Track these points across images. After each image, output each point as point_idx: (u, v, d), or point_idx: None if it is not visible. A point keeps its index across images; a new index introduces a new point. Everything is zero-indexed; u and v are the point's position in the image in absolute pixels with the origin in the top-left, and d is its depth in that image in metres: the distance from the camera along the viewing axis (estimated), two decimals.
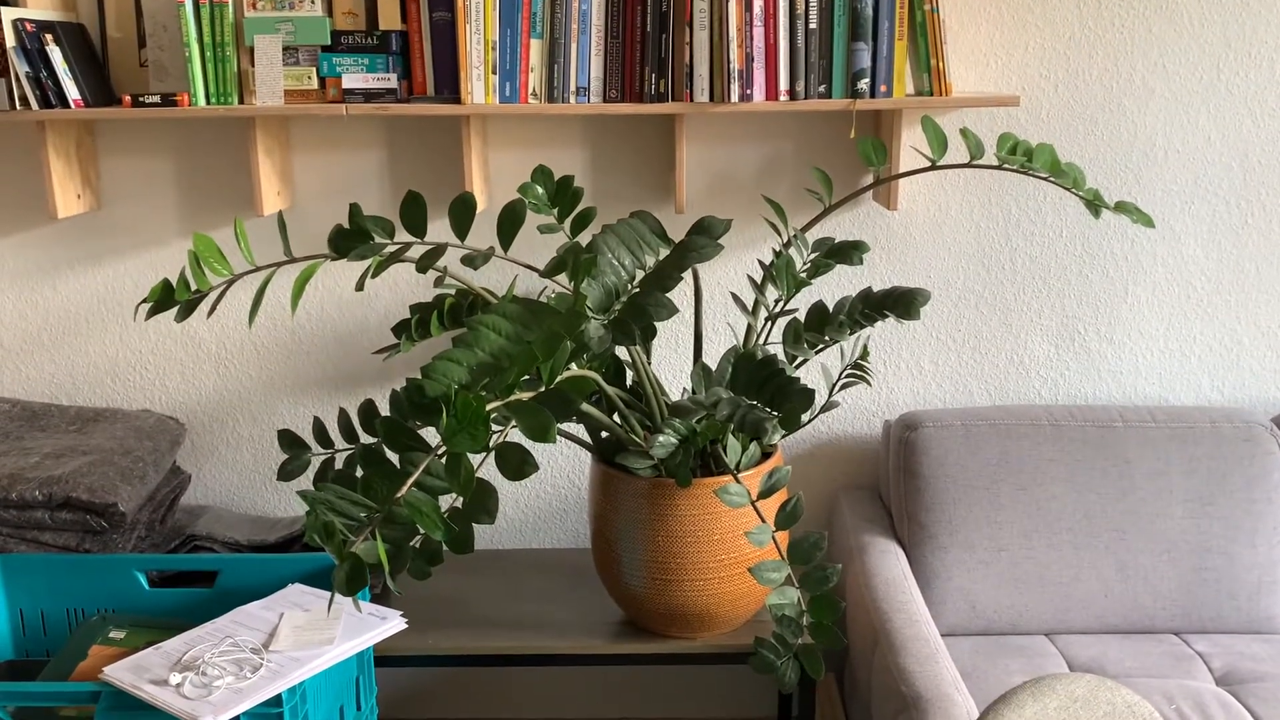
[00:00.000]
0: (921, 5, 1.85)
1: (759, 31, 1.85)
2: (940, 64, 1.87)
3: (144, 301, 1.59)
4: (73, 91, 1.91)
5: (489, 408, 1.29)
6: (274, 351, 2.19)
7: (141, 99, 1.91)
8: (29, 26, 1.87)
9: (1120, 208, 1.74)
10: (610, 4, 1.87)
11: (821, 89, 1.88)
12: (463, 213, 1.56)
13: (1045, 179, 1.75)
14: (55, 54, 1.89)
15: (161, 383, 2.20)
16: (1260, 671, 1.82)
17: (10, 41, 1.86)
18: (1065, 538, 1.95)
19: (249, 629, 1.57)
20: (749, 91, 1.86)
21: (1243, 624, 1.95)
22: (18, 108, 1.89)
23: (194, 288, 1.58)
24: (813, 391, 1.48)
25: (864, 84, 1.87)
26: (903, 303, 1.67)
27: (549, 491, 2.26)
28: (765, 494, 1.62)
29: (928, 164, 1.79)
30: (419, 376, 1.35)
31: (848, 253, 1.73)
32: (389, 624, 1.58)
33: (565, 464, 2.25)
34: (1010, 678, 1.79)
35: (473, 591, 2.02)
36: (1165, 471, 1.96)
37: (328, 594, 1.67)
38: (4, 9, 1.85)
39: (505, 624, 1.90)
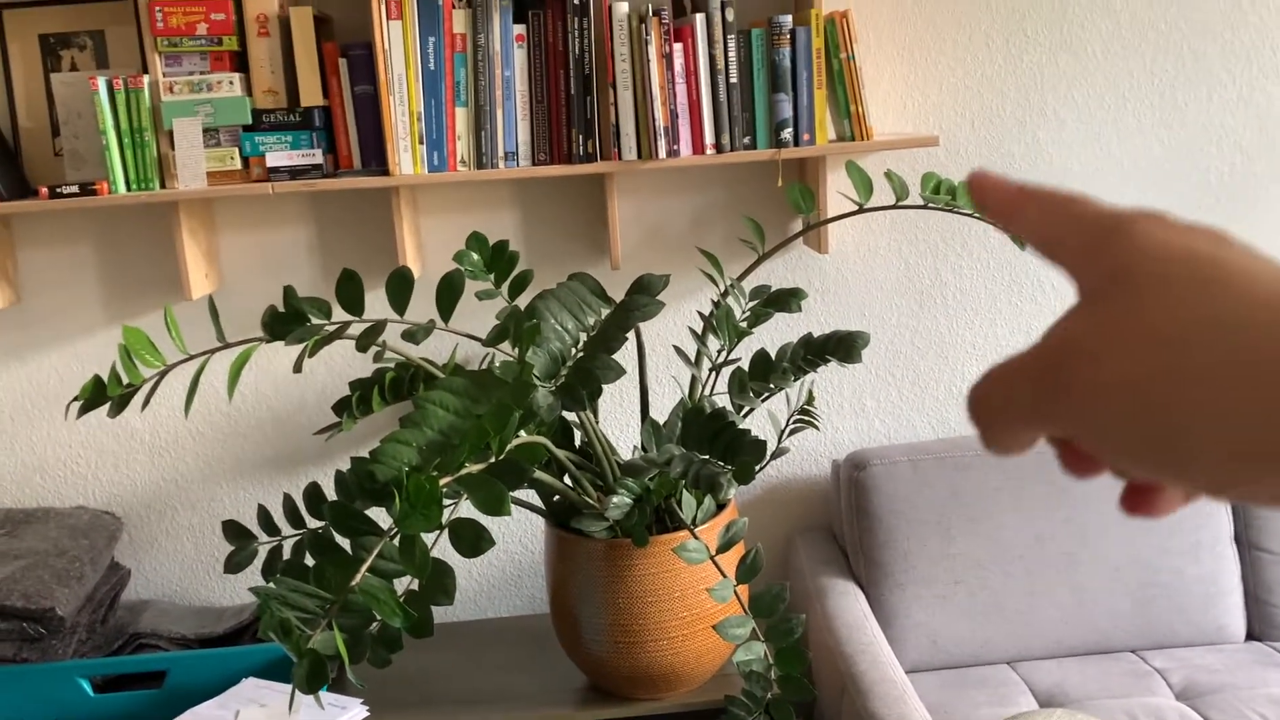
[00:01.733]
0: (838, 54, 1.89)
1: (681, 88, 1.87)
2: (860, 109, 1.91)
3: (75, 399, 1.54)
4: None
5: (440, 485, 1.27)
6: (210, 437, 2.14)
7: (59, 189, 1.87)
8: None
9: None
10: (533, 69, 1.88)
11: (746, 140, 1.91)
12: (400, 287, 1.54)
13: (970, 215, 1.79)
14: None
15: (94, 476, 2.14)
16: (1217, 683, 1.85)
17: None
18: (1019, 566, 1.97)
19: None
20: (675, 147, 1.88)
21: (1196, 636, 1.98)
22: None
23: (125, 381, 1.54)
24: (764, 443, 1.49)
25: (787, 133, 1.90)
26: (844, 346, 1.69)
27: (503, 559, 2.23)
28: (724, 548, 1.61)
29: (855, 208, 1.82)
30: (363, 455, 1.33)
31: (786, 300, 1.75)
32: (350, 713, 1.54)
33: (518, 529, 2.22)
34: (978, 710, 1.79)
35: (432, 668, 1.98)
36: (1106, 494, 1.99)
37: (283, 686, 1.62)
38: None
39: (468, 699, 1.86)
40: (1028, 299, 2.18)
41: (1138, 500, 0.35)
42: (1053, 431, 0.33)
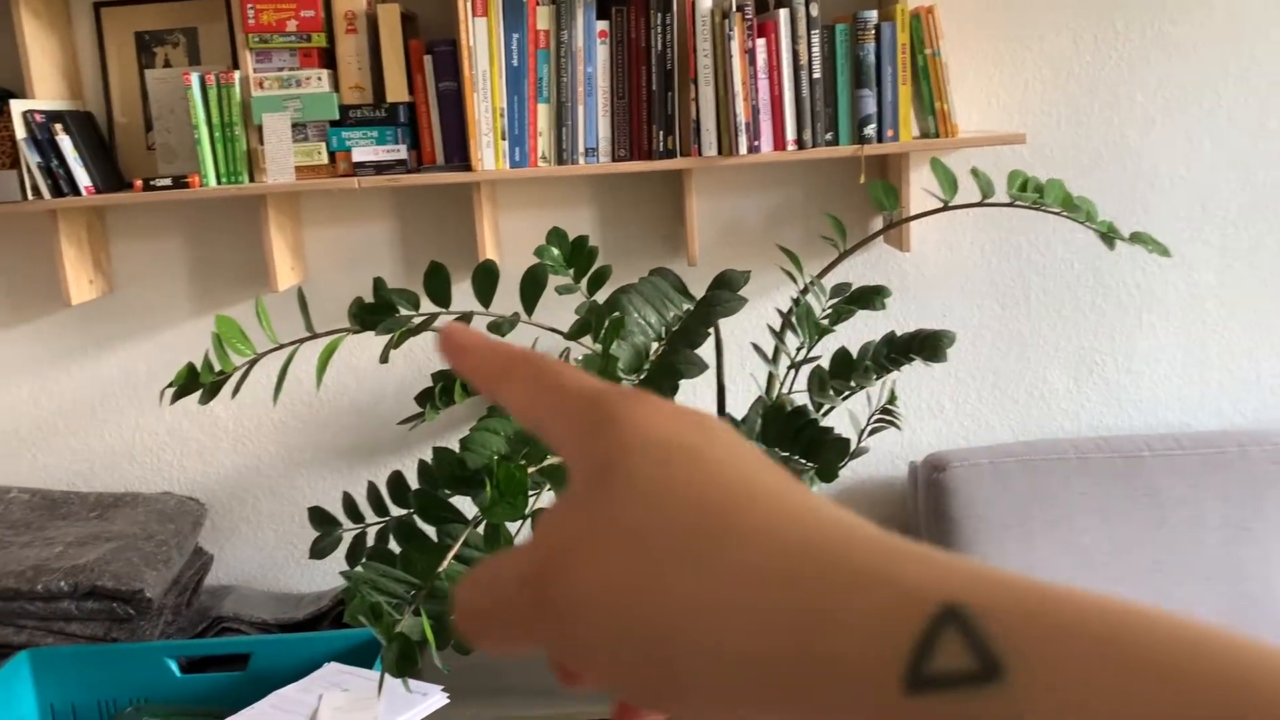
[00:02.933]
0: (923, 50, 1.87)
1: (764, 84, 1.86)
2: (945, 106, 1.88)
3: (169, 385, 1.58)
4: (83, 179, 1.91)
5: (528, 475, 1.28)
6: (291, 426, 2.18)
7: (152, 182, 1.92)
8: (38, 117, 1.88)
9: (1136, 238, 1.74)
10: (615, 65, 1.89)
11: (828, 136, 1.90)
12: (486, 280, 1.56)
13: (1058, 214, 1.76)
14: (65, 143, 1.90)
15: (180, 464, 2.19)
16: None
17: (20, 133, 1.87)
18: (1102, 572, 1.93)
19: (288, 713, 1.54)
20: (756, 143, 1.87)
21: None
22: (29, 198, 1.90)
23: (218, 369, 1.57)
24: (848, 441, 1.48)
25: (870, 129, 1.88)
26: (929, 345, 1.67)
27: None
28: None
29: (940, 205, 1.80)
30: (444, 446, 1.34)
31: (870, 298, 1.73)
32: (431, 699, 1.56)
33: None
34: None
35: (511, 658, 1.99)
36: (1197, 499, 1.95)
37: (365, 672, 1.64)
38: (13, 101, 1.86)
39: (546, 690, 1.87)
40: (1114, 303, 2.13)
41: None
42: (539, 646, 0.28)
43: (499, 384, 0.31)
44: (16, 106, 1.86)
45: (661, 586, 0.25)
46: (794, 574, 0.24)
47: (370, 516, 1.80)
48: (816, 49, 1.85)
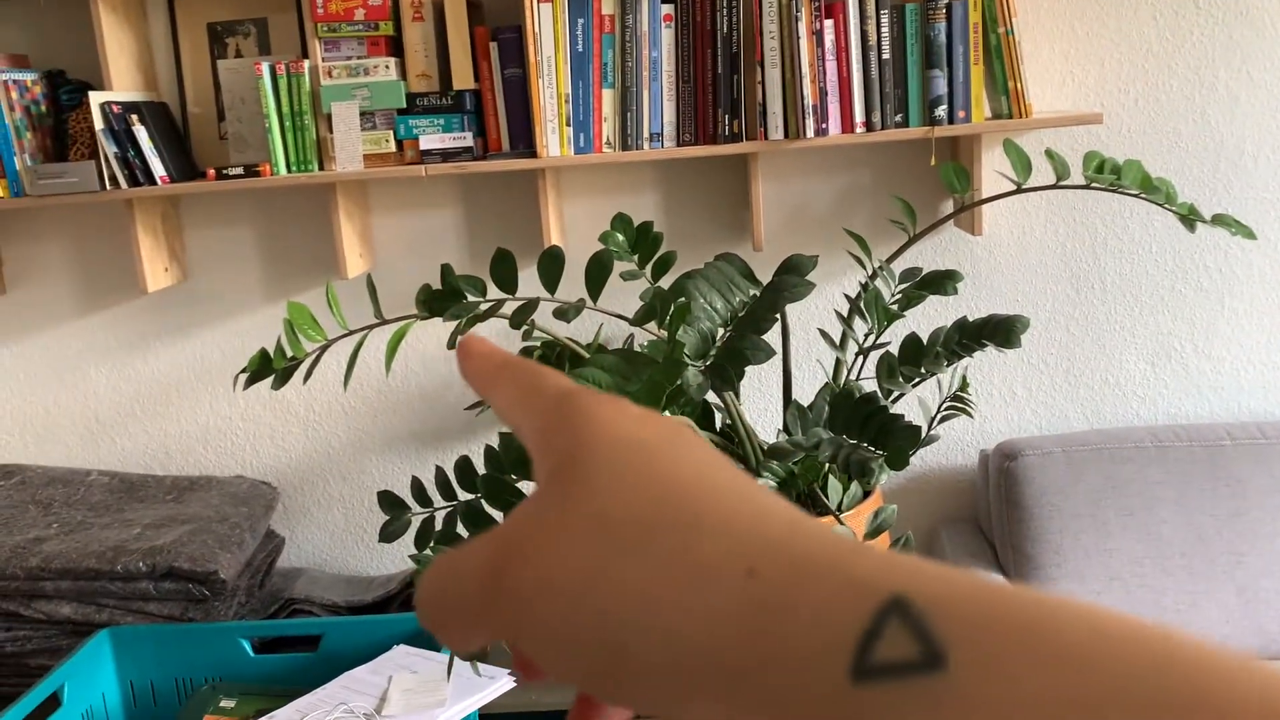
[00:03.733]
0: (996, 28, 1.83)
1: (831, 65, 1.84)
2: (1018, 85, 1.84)
3: (242, 371, 1.61)
4: (159, 168, 1.95)
5: None
6: (361, 411, 2.21)
7: (225, 171, 1.95)
8: (115, 109, 1.92)
9: (1218, 220, 1.69)
10: (680, 49, 1.88)
11: (898, 118, 1.86)
12: (552, 266, 1.56)
13: (1136, 196, 1.71)
14: (141, 133, 1.94)
15: (253, 447, 2.23)
16: None
17: (99, 124, 1.91)
18: (1179, 563, 1.88)
19: (359, 694, 1.56)
20: (824, 126, 1.85)
21: None
22: (107, 188, 1.94)
23: (290, 355, 1.60)
24: (919, 428, 1.45)
25: (941, 110, 1.85)
26: (1002, 331, 1.63)
27: None
28: (872, 534, 1.58)
29: (1013, 187, 1.76)
30: (508, 431, 1.34)
31: (941, 283, 1.70)
32: (498, 683, 1.57)
33: None
34: None
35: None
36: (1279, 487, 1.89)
37: (433, 654, 1.66)
38: (91, 94, 1.90)
39: None
40: (1194, 286, 2.07)
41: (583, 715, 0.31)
42: (499, 637, 0.28)
43: (490, 387, 0.33)
44: (95, 98, 1.90)
45: (617, 576, 0.25)
46: (748, 567, 0.24)
47: (438, 501, 1.82)
48: (886, 29, 1.82)
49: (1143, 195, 1.70)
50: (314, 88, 1.94)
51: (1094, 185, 1.71)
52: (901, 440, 1.43)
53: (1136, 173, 1.71)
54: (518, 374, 0.32)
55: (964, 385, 1.71)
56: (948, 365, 1.69)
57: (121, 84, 1.97)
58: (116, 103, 1.93)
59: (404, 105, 1.94)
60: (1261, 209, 2.04)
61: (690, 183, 2.09)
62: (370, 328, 1.63)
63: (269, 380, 1.61)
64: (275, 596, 2.03)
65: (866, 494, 1.76)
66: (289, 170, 1.95)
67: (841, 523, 1.60)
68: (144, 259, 2.02)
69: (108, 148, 1.92)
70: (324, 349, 1.61)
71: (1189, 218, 1.68)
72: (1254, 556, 1.87)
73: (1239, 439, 1.93)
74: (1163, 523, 1.89)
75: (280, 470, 2.23)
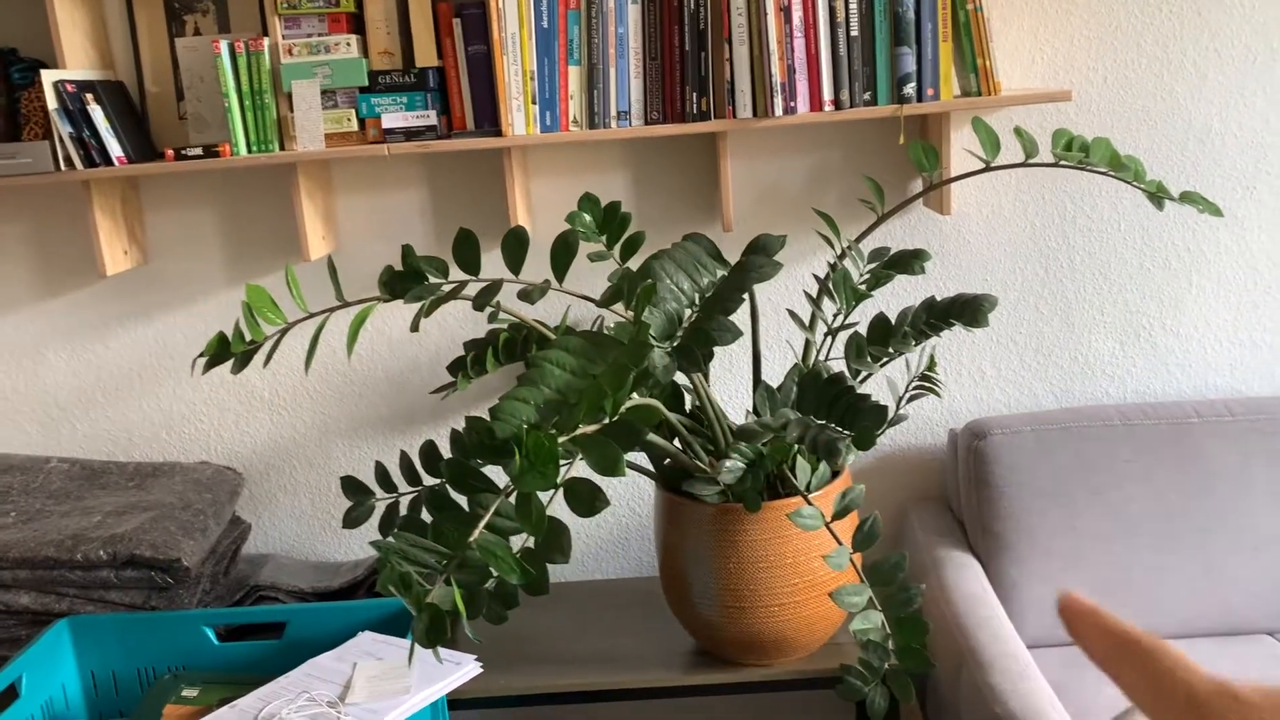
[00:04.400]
0: (964, 5, 1.81)
1: (799, 42, 1.82)
2: (987, 63, 1.83)
3: (200, 355, 1.58)
4: (116, 149, 1.91)
5: (557, 444, 1.26)
6: (326, 396, 2.18)
7: (184, 152, 1.91)
8: (70, 87, 1.87)
9: (1186, 198, 1.68)
10: (647, 25, 1.85)
11: (866, 96, 1.85)
12: (516, 247, 1.54)
13: (1105, 174, 1.70)
14: (97, 113, 1.89)
15: (217, 433, 2.20)
16: None
17: (52, 104, 1.86)
18: (1147, 540, 1.89)
19: (323, 681, 1.54)
20: (793, 104, 1.83)
21: None
22: (63, 169, 1.90)
23: (249, 338, 1.57)
24: (885, 408, 1.44)
25: (910, 88, 1.83)
26: (970, 310, 1.63)
27: (610, 521, 2.23)
28: (840, 515, 1.57)
29: (982, 165, 1.75)
30: (476, 414, 1.32)
31: (909, 262, 1.69)
32: (464, 669, 1.56)
33: (625, 493, 2.21)
34: (1104, 690, 1.73)
35: (542, 627, 1.99)
36: (1246, 466, 1.89)
37: (399, 641, 1.64)
38: (44, 72, 1.85)
39: (577, 659, 1.87)
40: (1162, 265, 2.07)
41: None
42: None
43: (1112, 664, 0.34)
44: (47, 77, 1.85)
45: None
46: None
47: (403, 486, 1.80)
48: (854, 5, 1.80)
49: (1111, 173, 1.70)
50: (274, 66, 1.90)
51: (1062, 163, 1.70)
52: (868, 420, 1.42)
53: (1105, 150, 1.70)
54: (1139, 660, 0.33)
55: (932, 365, 1.70)
56: (916, 345, 1.68)
57: (76, 62, 1.93)
58: (70, 81, 1.88)
59: (366, 83, 1.90)
60: (1229, 186, 2.04)
61: (659, 162, 2.07)
62: (331, 310, 1.61)
63: (232, 365, 1.59)
64: (241, 583, 2.00)
65: (835, 474, 1.75)
66: (249, 150, 1.91)
67: (810, 503, 1.60)
68: (102, 242, 1.98)
69: (62, 128, 1.88)
70: (283, 332, 1.58)
71: (1157, 195, 1.68)
72: (1220, 533, 1.88)
73: (1206, 417, 1.94)
74: (1130, 500, 1.89)
75: (245, 456, 2.20)
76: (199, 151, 1.91)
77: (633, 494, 2.21)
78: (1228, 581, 1.88)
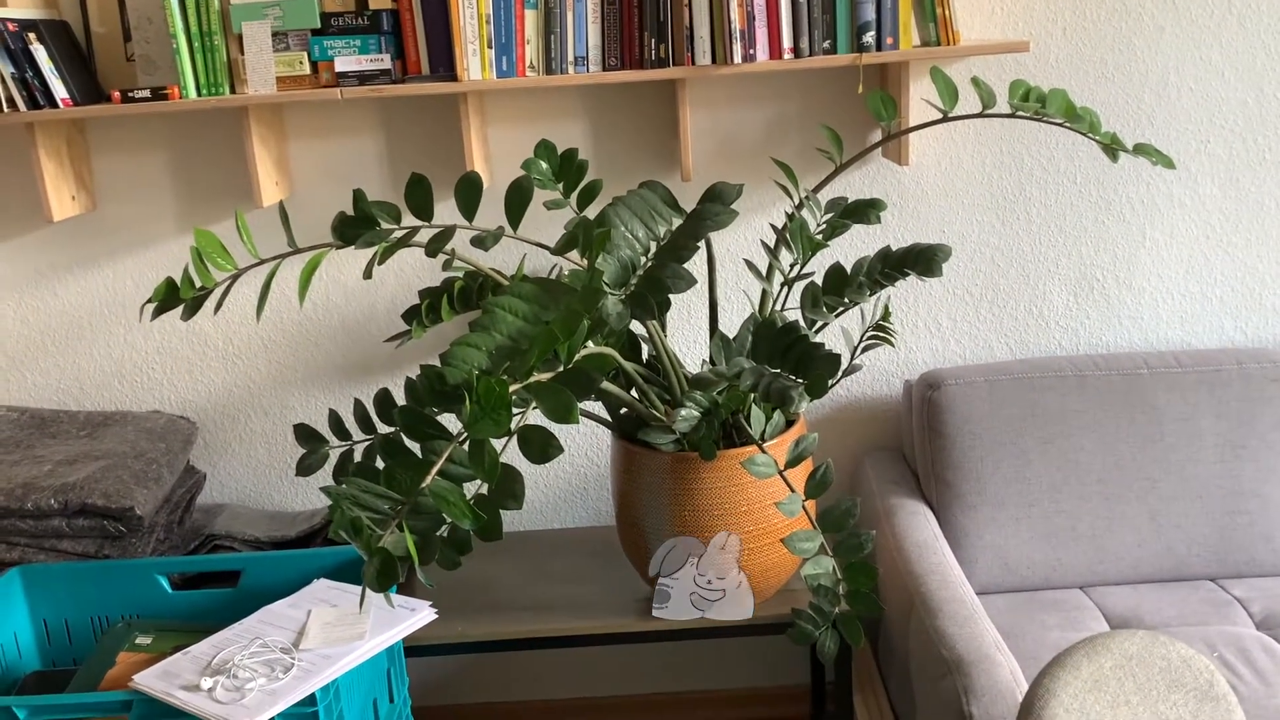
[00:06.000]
0: None
1: None
2: (946, 12, 1.82)
3: (149, 301, 1.55)
4: (60, 90, 1.86)
5: (510, 390, 1.26)
6: (281, 344, 2.16)
7: (131, 94, 1.87)
8: (11, 26, 1.82)
9: (1140, 150, 1.69)
10: None
11: (826, 45, 1.83)
12: (470, 193, 1.52)
13: (1060, 125, 1.71)
14: (40, 53, 1.84)
15: (170, 382, 2.17)
16: None
17: None
18: (1095, 489, 1.92)
19: (277, 628, 1.55)
20: (751, 51, 1.81)
21: (1279, 565, 1.92)
22: (4, 110, 1.85)
23: (198, 284, 1.55)
24: (838, 356, 1.45)
25: (869, 37, 1.82)
26: (924, 260, 1.63)
27: (568, 471, 2.23)
28: (793, 463, 1.59)
29: (940, 115, 1.75)
30: (433, 363, 1.32)
31: (864, 212, 1.69)
32: (419, 615, 1.56)
33: (583, 442, 2.22)
34: (1048, 633, 1.77)
35: (498, 575, 2.00)
36: (1194, 416, 1.93)
37: (354, 588, 1.64)
38: None
39: (533, 606, 1.88)
40: (1116, 218, 2.09)
41: None
42: None
43: None
44: None
45: None
46: None
47: (357, 434, 1.79)
48: None
49: (1067, 124, 1.70)
50: (223, 7, 1.86)
51: (1019, 114, 1.70)
52: (821, 368, 1.43)
53: (1061, 102, 1.71)
54: None
55: (886, 315, 1.71)
56: (870, 295, 1.69)
57: (18, 0, 1.87)
58: (12, 20, 1.83)
59: (318, 25, 1.86)
60: (1183, 139, 2.06)
61: (618, 110, 2.05)
62: (281, 257, 1.59)
63: (181, 311, 1.56)
64: (196, 533, 1.99)
65: (790, 423, 1.77)
66: (199, 93, 1.87)
67: (764, 450, 1.61)
68: (48, 186, 1.93)
69: (4, 68, 1.83)
70: (234, 278, 1.56)
71: (1111, 147, 1.69)
72: (1167, 482, 1.92)
73: (1156, 368, 1.96)
74: (1080, 450, 1.92)
75: (199, 405, 2.18)
76: (147, 94, 1.87)
77: (591, 444, 2.22)
78: (1173, 529, 1.92)
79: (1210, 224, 2.10)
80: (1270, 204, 2.09)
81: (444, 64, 1.89)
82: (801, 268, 1.77)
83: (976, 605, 1.65)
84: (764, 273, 1.79)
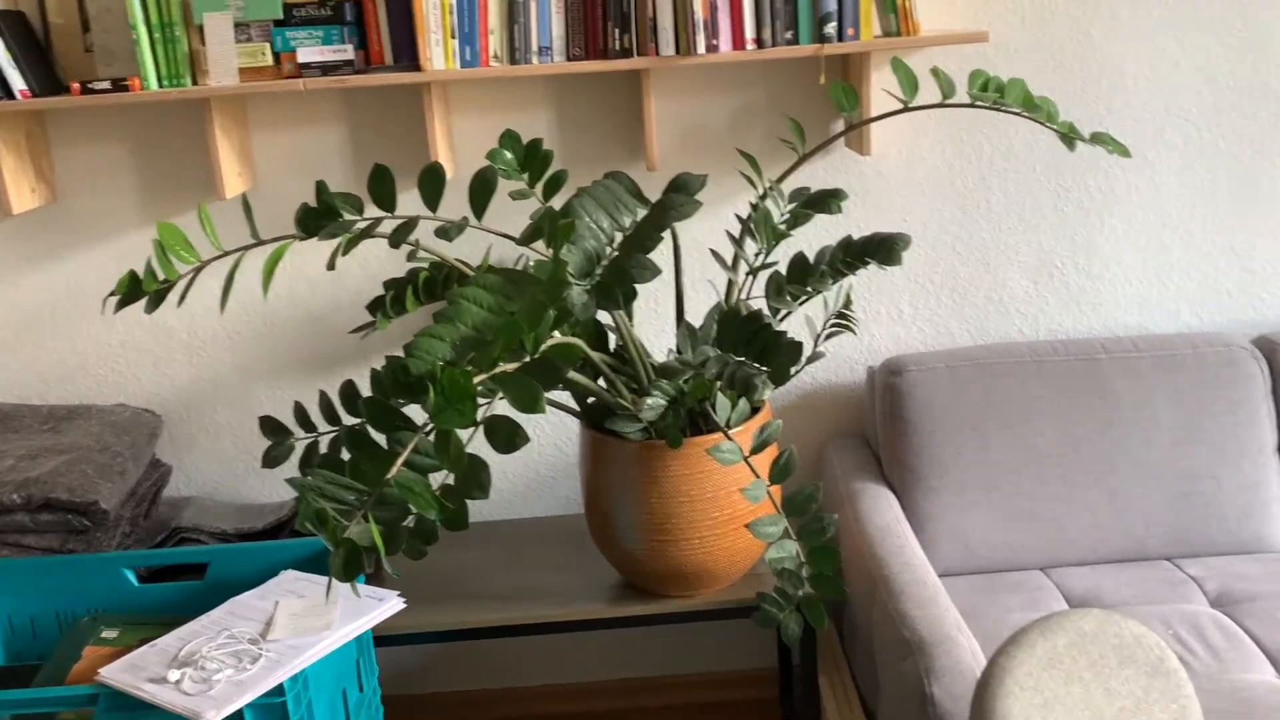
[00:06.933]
0: None
1: None
2: (906, 3, 1.84)
3: (111, 294, 1.55)
4: (18, 82, 1.84)
5: (475, 381, 1.27)
6: (246, 336, 2.15)
7: (91, 85, 1.85)
8: None
9: (1096, 139, 1.72)
10: None
11: (788, 35, 1.85)
12: (433, 183, 1.53)
13: (1018, 114, 1.73)
14: None
15: (134, 375, 2.16)
16: (1253, 591, 1.84)
17: None
18: (1055, 472, 1.95)
19: (245, 619, 1.55)
20: (715, 42, 1.82)
21: (1233, 545, 1.97)
22: None
23: (161, 277, 1.54)
24: (800, 344, 1.47)
25: (831, 28, 1.84)
26: (884, 249, 1.66)
27: (536, 460, 2.24)
28: (757, 449, 1.61)
29: (900, 106, 1.77)
30: (399, 354, 1.32)
31: (826, 202, 1.71)
32: (387, 605, 1.57)
33: (551, 431, 2.23)
34: (1009, 615, 1.80)
35: (467, 565, 2.01)
36: (1150, 400, 1.96)
37: (321, 579, 1.65)
38: None
39: (503, 595, 1.89)
40: (1075, 205, 2.12)
41: None
42: None
43: None
44: None
45: None
46: None
47: (323, 426, 1.80)
48: None
49: (1024, 113, 1.73)
50: None
51: (978, 104, 1.73)
52: (784, 356, 1.45)
53: (1019, 91, 1.73)
54: None
55: (848, 303, 1.74)
56: (833, 283, 1.71)
57: None
58: None
59: (280, 16, 1.85)
60: (1140, 128, 2.09)
61: (583, 101, 2.05)
62: (245, 249, 1.58)
63: (145, 304, 1.56)
64: (163, 526, 1.98)
65: (755, 410, 1.79)
66: (160, 85, 1.86)
67: (729, 437, 1.63)
68: (7, 179, 1.91)
69: None
70: (197, 271, 1.55)
71: (1069, 136, 1.71)
72: (1124, 464, 1.96)
73: (1114, 353, 2.00)
74: (1039, 434, 1.96)
75: (164, 398, 2.17)
76: (107, 85, 1.85)
77: (560, 434, 2.23)
78: (1130, 510, 1.96)
79: (1166, 211, 2.13)
80: (1224, 191, 2.13)
81: (407, 54, 1.89)
82: (765, 257, 1.78)
83: (938, 587, 1.68)
84: (729, 262, 1.81)
